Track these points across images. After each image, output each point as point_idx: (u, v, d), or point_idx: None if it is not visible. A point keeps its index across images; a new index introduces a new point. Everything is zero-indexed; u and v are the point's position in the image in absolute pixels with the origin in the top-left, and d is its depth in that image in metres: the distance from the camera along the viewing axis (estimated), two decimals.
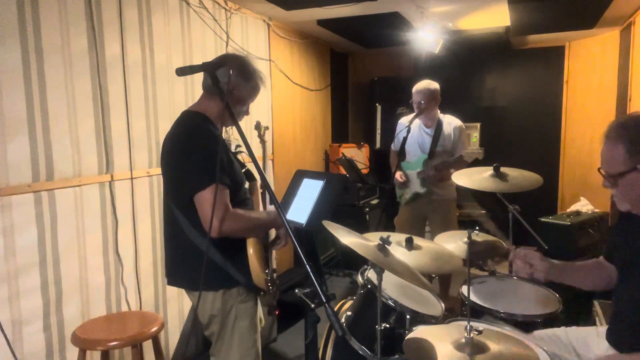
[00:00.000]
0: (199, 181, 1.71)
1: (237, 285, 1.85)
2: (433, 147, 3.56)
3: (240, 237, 1.82)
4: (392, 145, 3.86)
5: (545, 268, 1.84)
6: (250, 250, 1.81)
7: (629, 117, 1.61)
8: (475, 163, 3.26)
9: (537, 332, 1.98)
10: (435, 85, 3.55)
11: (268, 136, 2.51)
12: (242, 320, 1.89)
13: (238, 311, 1.88)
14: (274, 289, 1.95)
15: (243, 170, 2.01)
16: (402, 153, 3.63)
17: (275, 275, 1.99)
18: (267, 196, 2.27)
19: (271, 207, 2.26)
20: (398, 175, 3.65)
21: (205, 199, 1.70)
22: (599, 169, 1.66)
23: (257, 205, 2.09)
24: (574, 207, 4.06)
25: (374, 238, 1.86)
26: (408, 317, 1.97)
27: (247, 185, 2.01)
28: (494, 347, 1.51)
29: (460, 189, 3.57)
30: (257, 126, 2.51)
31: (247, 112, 1.97)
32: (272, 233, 2.08)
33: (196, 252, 1.79)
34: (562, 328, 1.98)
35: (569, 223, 3.56)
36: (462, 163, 3.40)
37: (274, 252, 2.11)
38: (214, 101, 1.85)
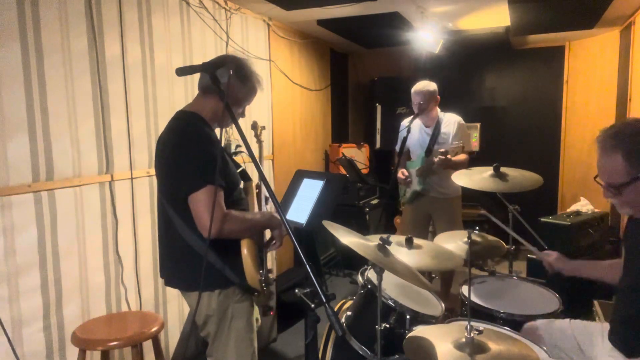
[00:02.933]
0: (193, 182, 1.70)
1: (233, 285, 1.84)
2: (431, 145, 3.58)
3: (234, 238, 1.82)
4: (396, 147, 3.87)
5: (562, 267, 2.09)
6: (244, 251, 1.80)
7: (622, 125, 1.58)
8: (475, 163, 3.26)
9: (541, 322, 1.98)
10: (433, 85, 3.55)
11: (266, 136, 2.52)
12: (238, 320, 1.88)
13: (234, 311, 1.87)
14: (268, 289, 1.94)
15: (239, 170, 2.01)
16: (401, 153, 3.64)
17: (270, 275, 1.98)
18: (264, 196, 2.28)
19: (268, 208, 2.25)
20: (400, 173, 3.66)
21: (198, 200, 1.69)
22: (595, 178, 1.66)
23: (252, 206, 2.08)
24: (574, 207, 4.06)
25: (374, 239, 1.86)
26: (408, 317, 1.97)
27: (242, 185, 2.01)
28: (494, 347, 1.51)
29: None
30: (254, 126, 2.51)
31: (242, 115, 1.96)
32: (268, 234, 2.07)
33: (191, 253, 1.79)
34: (567, 320, 1.98)
35: (569, 223, 3.56)
36: (456, 152, 3.40)
37: (271, 252, 2.11)
38: (209, 101, 1.84)
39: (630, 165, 1.51)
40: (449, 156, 3.29)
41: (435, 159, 3.34)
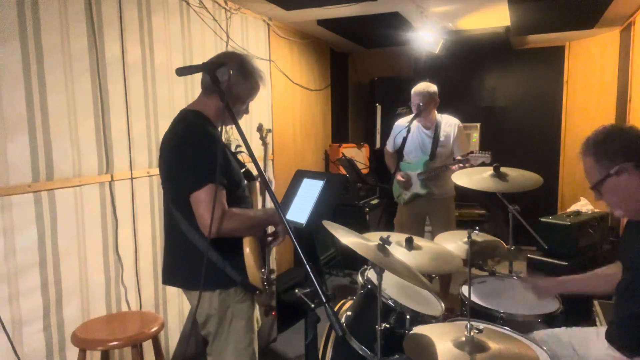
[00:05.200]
0: (195, 181, 1.70)
1: (234, 285, 1.85)
2: (434, 149, 3.57)
3: (237, 237, 1.82)
4: (387, 146, 3.85)
5: (549, 286, 2.10)
6: (247, 250, 1.81)
7: (594, 131, 1.71)
8: (480, 164, 3.26)
9: (538, 332, 1.99)
10: (433, 87, 3.55)
11: (269, 138, 2.52)
12: (238, 320, 1.89)
13: (235, 311, 1.88)
14: (271, 288, 1.95)
15: (243, 170, 2.01)
16: (402, 154, 3.64)
17: (272, 275, 1.99)
18: (267, 196, 2.28)
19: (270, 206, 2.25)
20: (399, 176, 3.66)
21: (200, 199, 1.69)
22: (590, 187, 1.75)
23: (255, 205, 2.08)
24: (574, 207, 4.07)
25: (374, 238, 1.86)
26: (408, 317, 1.97)
27: (245, 183, 2.01)
28: (494, 346, 1.51)
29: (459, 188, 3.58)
30: (259, 128, 2.53)
31: (246, 111, 1.96)
32: (270, 230, 2.07)
33: (193, 252, 1.79)
34: (563, 328, 1.99)
35: (569, 223, 3.56)
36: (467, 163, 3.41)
37: (272, 252, 2.11)
38: (212, 100, 1.85)
39: (600, 165, 1.65)
40: (467, 165, 3.27)
41: (454, 167, 3.32)
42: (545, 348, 1.78)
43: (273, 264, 3.97)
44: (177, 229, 1.82)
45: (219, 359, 1.92)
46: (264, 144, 2.50)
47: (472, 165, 3.30)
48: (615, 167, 1.61)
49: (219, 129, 1.90)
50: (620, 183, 1.62)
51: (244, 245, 1.82)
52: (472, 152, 3.35)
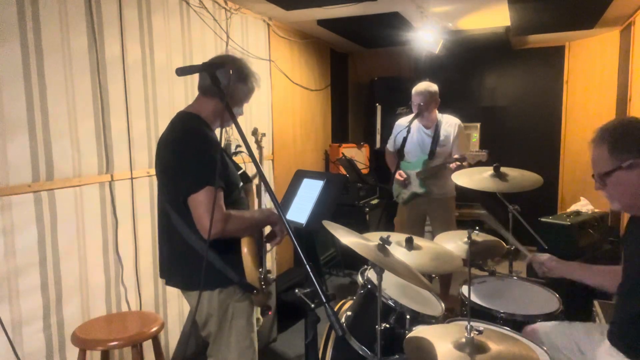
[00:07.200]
0: (193, 183, 1.71)
1: (233, 284, 1.85)
2: (433, 148, 3.57)
3: (235, 237, 1.82)
4: (388, 145, 3.85)
5: (555, 266, 2.09)
6: (244, 249, 1.81)
7: (610, 121, 1.71)
8: (477, 163, 3.26)
9: (540, 324, 1.99)
10: (434, 87, 3.55)
11: (265, 142, 2.56)
12: (238, 319, 1.89)
13: (235, 310, 1.88)
14: (268, 288, 1.95)
15: (240, 172, 2.01)
16: (402, 153, 3.64)
17: (269, 275, 1.99)
18: (266, 196, 2.29)
19: (268, 207, 2.26)
20: (398, 174, 3.66)
21: (198, 201, 1.70)
22: (592, 175, 1.74)
23: (252, 207, 2.09)
24: (574, 207, 4.06)
25: (374, 238, 1.86)
26: (408, 317, 1.97)
27: (241, 185, 2.01)
28: (494, 347, 1.51)
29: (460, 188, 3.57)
30: (254, 132, 2.57)
31: (241, 113, 1.98)
32: (267, 229, 2.07)
33: (191, 253, 1.79)
34: (566, 322, 1.99)
35: (569, 223, 3.56)
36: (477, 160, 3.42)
37: (271, 252, 2.11)
38: (210, 102, 1.86)
39: (613, 156, 1.63)
40: (465, 163, 3.28)
41: (452, 165, 3.33)
42: (545, 348, 1.78)
43: (273, 264, 3.97)
44: (174, 230, 1.83)
45: (221, 359, 1.92)
46: (259, 147, 2.54)
47: (470, 165, 3.31)
48: (629, 161, 1.60)
49: (219, 130, 1.91)
50: (628, 177, 1.62)
51: (241, 245, 1.82)
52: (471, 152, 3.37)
